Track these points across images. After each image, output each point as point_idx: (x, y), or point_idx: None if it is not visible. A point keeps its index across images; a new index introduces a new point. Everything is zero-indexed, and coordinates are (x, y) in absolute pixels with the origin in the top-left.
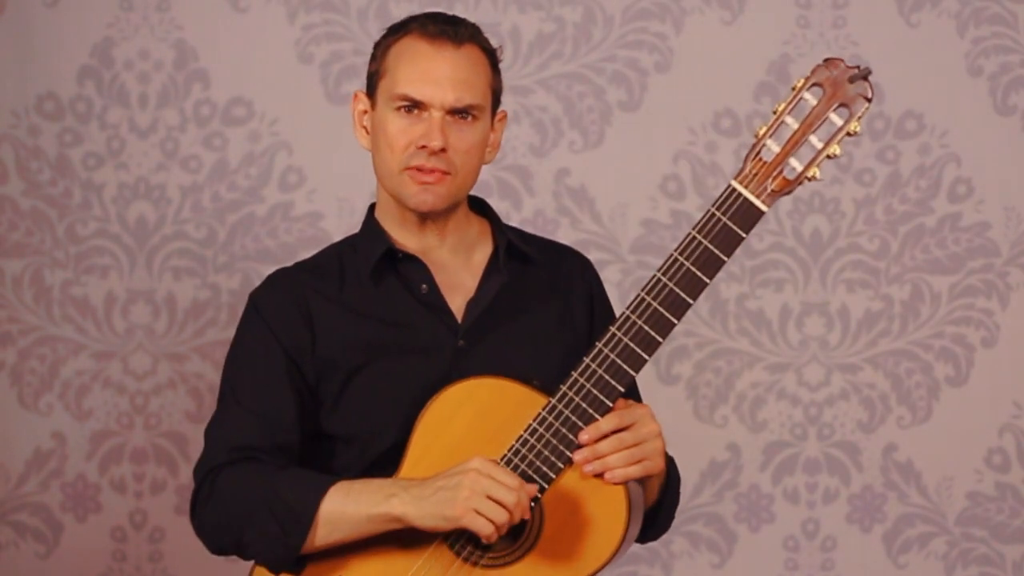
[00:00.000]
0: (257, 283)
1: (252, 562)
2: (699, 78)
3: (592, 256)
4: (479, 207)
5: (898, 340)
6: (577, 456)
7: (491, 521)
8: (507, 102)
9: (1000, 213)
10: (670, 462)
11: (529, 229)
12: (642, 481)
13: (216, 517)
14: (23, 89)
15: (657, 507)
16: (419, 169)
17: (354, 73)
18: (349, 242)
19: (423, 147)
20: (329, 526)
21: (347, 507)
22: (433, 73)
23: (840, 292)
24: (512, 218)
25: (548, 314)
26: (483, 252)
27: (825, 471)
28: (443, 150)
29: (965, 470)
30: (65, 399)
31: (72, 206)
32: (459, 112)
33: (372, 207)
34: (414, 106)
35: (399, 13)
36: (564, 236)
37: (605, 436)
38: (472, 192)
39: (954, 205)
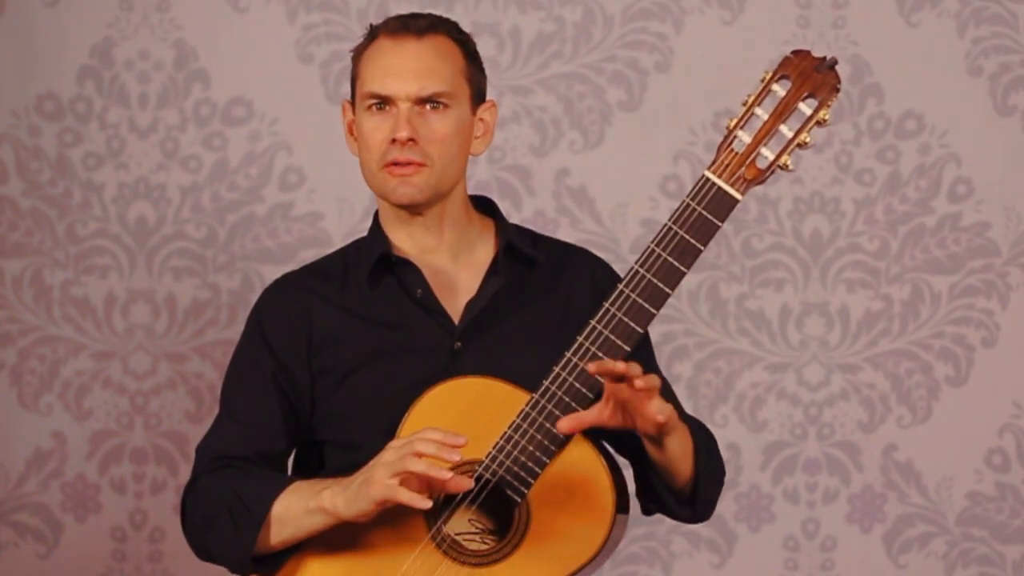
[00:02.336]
0: (257, 283)
1: None
2: (699, 78)
3: None
4: (487, 207)
5: (898, 340)
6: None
7: (413, 472)
8: (507, 102)
9: (1000, 213)
10: (698, 429)
11: (521, 226)
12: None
13: (190, 525)
14: (23, 89)
15: (696, 476)
16: (395, 163)
17: None
18: (355, 245)
19: (394, 141)
20: (278, 524)
21: (290, 505)
22: (394, 67)
23: (840, 292)
24: (512, 218)
25: (548, 314)
26: (486, 253)
27: (825, 471)
28: (412, 140)
29: (965, 470)
30: (65, 399)
31: (72, 206)
32: (426, 102)
33: (377, 211)
34: (383, 103)
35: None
36: (564, 236)
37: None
38: (470, 192)
39: (954, 205)
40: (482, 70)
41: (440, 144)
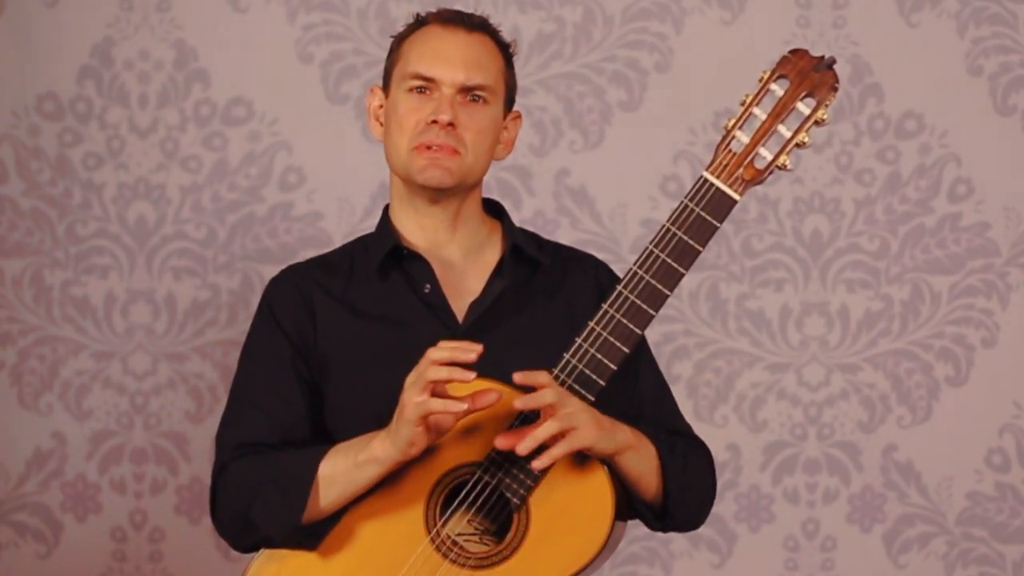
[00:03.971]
0: (257, 283)
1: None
2: (699, 78)
3: None
4: (495, 210)
5: (898, 340)
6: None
7: (445, 378)
8: None
9: (1000, 213)
10: (671, 450)
11: (529, 229)
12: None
13: (229, 509)
14: (23, 89)
15: (665, 494)
16: (428, 146)
17: (354, 73)
18: (361, 240)
19: (433, 122)
20: (326, 485)
21: (338, 463)
22: (444, 52)
23: (840, 292)
24: (512, 218)
25: (551, 317)
26: (493, 254)
27: (825, 471)
28: (452, 125)
29: (965, 470)
30: (65, 399)
31: (72, 206)
32: (469, 92)
33: (387, 207)
34: (425, 85)
35: (399, 13)
36: (564, 236)
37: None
38: None
39: (954, 205)
40: (515, 79)
41: (476, 135)
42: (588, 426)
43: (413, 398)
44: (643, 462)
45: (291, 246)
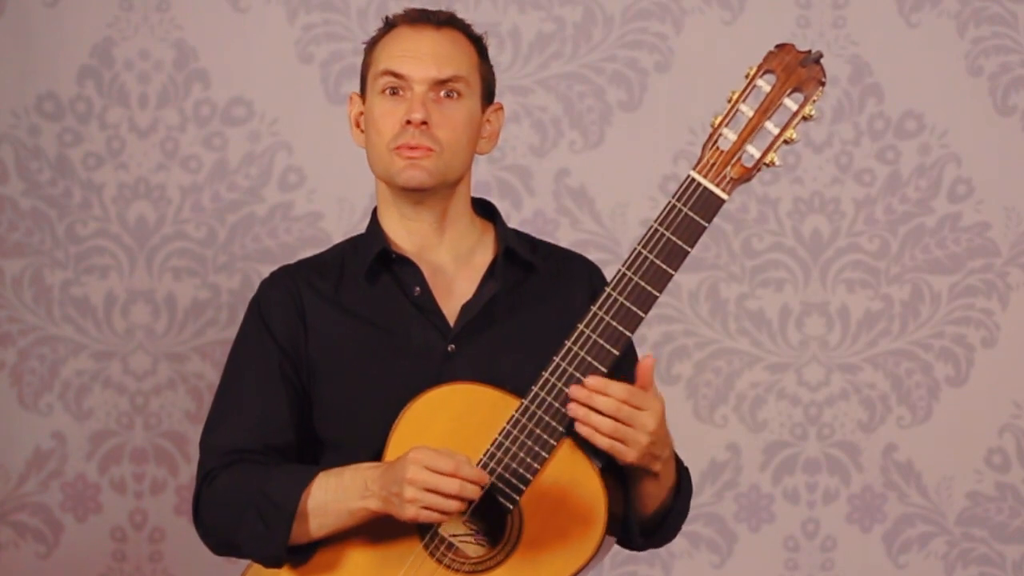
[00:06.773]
0: (257, 283)
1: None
2: (699, 78)
3: (592, 256)
4: (487, 211)
5: (898, 340)
6: (573, 391)
7: (443, 512)
8: (507, 102)
9: (1000, 213)
10: (683, 471)
11: (529, 229)
12: (642, 478)
13: (212, 520)
14: (23, 89)
15: (666, 512)
16: (405, 147)
17: (354, 73)
18: (352, 242)
19: (408, 123)
20: (316, 519)
21: (328, 502)
22: (413, 50)
23: (840, 292)
24: (512, 218)
25: (544, 320)
26: (484, 256)
27: (825, 471)
28: (425, 123)
29: (965, 470)
30: (65, 399)
31: (72, 206)
32: (442, 86)
33: (376, 210)
34: (398, 85)
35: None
36: (564, 236)
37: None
38: (472, 193)
39: (954, 205)
40: (492, 72)
41: (452, 131)
42: (638, 447)
43: (434, 481)
44: (660, 482)
45: (291, 246)
